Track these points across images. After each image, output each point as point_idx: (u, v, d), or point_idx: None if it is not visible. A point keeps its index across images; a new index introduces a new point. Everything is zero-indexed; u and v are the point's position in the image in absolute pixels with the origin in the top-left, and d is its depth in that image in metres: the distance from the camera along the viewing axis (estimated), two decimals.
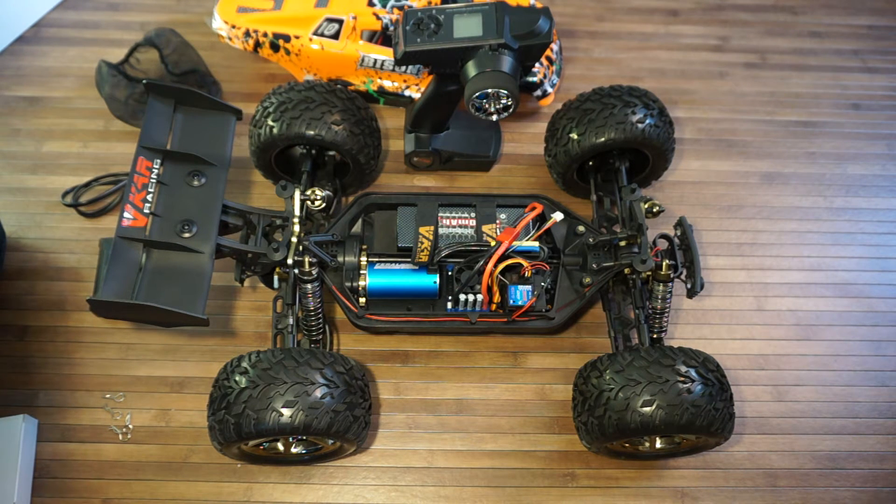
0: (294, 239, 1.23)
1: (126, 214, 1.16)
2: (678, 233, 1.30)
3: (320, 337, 1.31)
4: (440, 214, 1.34)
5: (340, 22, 1.60)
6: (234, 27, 1.61)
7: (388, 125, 1.68)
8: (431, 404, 1.37)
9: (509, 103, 1.25)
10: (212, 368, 1.33)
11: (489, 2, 1.27)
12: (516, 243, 1.29)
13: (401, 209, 1.36)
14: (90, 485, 1.27)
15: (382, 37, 1.60)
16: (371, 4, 1.62)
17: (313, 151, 1.41)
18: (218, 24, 1.62)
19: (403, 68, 1.60)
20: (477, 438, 1.34)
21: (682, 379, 1.13)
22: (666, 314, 1.29)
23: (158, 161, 1.22)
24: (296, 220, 1.25)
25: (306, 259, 1.21)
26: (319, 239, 1.28)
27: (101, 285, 1.12)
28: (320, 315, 1.29)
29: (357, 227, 1.40)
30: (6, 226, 1.50)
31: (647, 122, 1.37)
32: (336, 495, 1.28)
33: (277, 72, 1.75)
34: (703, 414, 1.13)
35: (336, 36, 1.59)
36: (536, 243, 1.31)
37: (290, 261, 1.21)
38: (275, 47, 1.61)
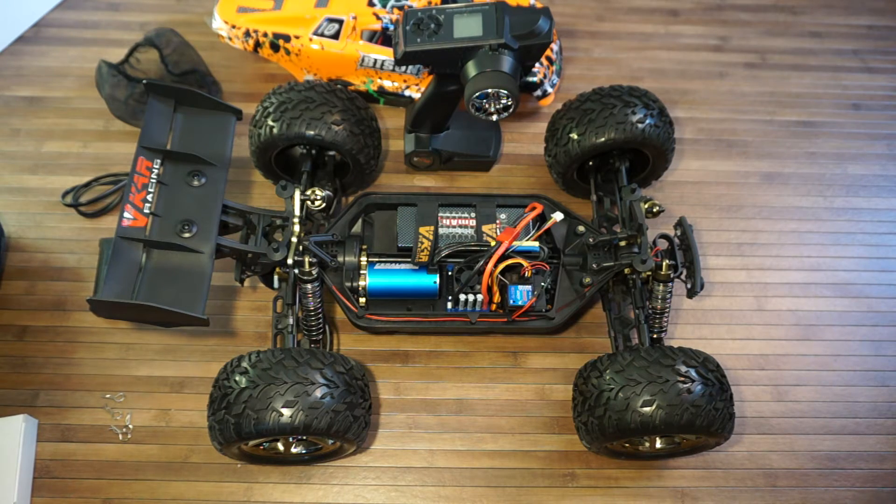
0: (294, 239, 1.23)
1: (126, 214, 1.16)
2: (678, 233, 1.30)
3: (320, 337, 1.31)
4: (440, 214, 1.34)
5: (340, 22, 1.60)
6: (234, 27, 1.61)
7: (388, 125, 1.68)
8: (431, 404, 1.37)
9: (509, 103, 1.25)
10: (212, 368, 1.33)
11: (489, 2, 1.27)
12: (516, 243, 1.29)
13: (401, 209, 1.36)
14: (90, 485, 1.27)
15: (382, 37, 1.60)
16: (371, 4, 1.62)
17: (313, 151, 1.41)
18: (218, 24, 1.62)
19: (403, 68, 1.60)
20: (477, 438, 1.34)
21: (682, 379, 1.13)
22: (666, 314, 1.29)
23: (158, 161, 1.22)
24: (296, 220, 1.25)
25: (306, 259, 1.21)
26: (319, 239, 1.28)
27: (101, 285, 1.12)
28: (320, 315, 1.29)
29: (357, 227, 1.40)
30: (6, 226, 1.50)
31: (647, 122, 1.37)
32: (336, 495, 1.28)
33: (277, 72, 1.75)
34: (703, 414, 1.13)
35: (336, 36, 1.59)
36: (536, 243, 1.31)
37: (290, 261, 1.21)
38: (275, 47, 1.61)
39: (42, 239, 1.50)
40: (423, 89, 1.58)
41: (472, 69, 1.24)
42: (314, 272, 1.22)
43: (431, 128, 1.53)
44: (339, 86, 1.42)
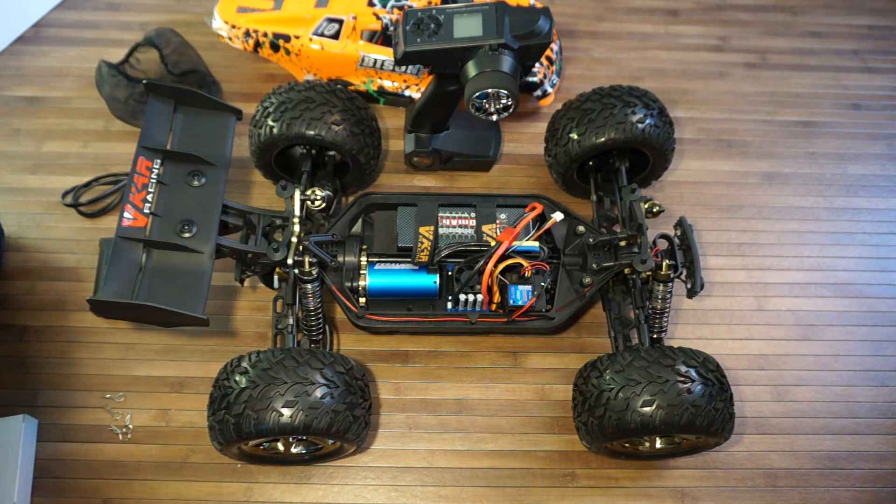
0: (294, 239, 1.23)
1: (126, 214, 1.16)
2: (678, 233, 1.30)
3: (320, 337, 1.31)
4: (440, 214, 1.34)
5: (340, 22, 1.60)
6: (234, 27, 1.61)
7: (388, 125, 1.68)
8: (431, 404, 1.37)
9: (509, 103, 1.25)
10: (212, 368, 1.33)
11: (489, 2, 1.27)
12: (516, 243, 1.29)
13: (401, 209, 1.36)
14: (90, 485, 1.27)
15: (382, 37, 1.60)
16: (371, 4, 1.62)
17: (313, 151, 1.41)
18: (218, 24, 1.62)
19: (403, 68, 1.60)
20: (477, 438, 1.34)
21: (682, 379, 1.13)
22: (666, 314, 1.29)
23: (158, 161, 1.22)
24: (296, 220, 1.25)
25: (306, 259, 1.21)
26: (319, 239, 1.28)
27: (101, 285, 1.12)
28: (320, 315, 1.29)
29: (357, 227, 1.40)
30: (6, 226, 1.50)
31: (647, 122, 1.37)
32: (336, 495, 1.28)
33: (277, 72, 1.75)
34: (703, 414, 1.13)
35: (336, 36, 1.59)
36: (536, 243, 1.31)
37: (290, 261, 1.21)
38: (275, 47, 1.61)
39: (42, 239, 1.50)
40: (423, 89, 1.58)
41: (472, 69, 1.24)
42: (314, 272, 1.22)
43: (431, 128, 1.53)
44: (339, 86, 1.42)
